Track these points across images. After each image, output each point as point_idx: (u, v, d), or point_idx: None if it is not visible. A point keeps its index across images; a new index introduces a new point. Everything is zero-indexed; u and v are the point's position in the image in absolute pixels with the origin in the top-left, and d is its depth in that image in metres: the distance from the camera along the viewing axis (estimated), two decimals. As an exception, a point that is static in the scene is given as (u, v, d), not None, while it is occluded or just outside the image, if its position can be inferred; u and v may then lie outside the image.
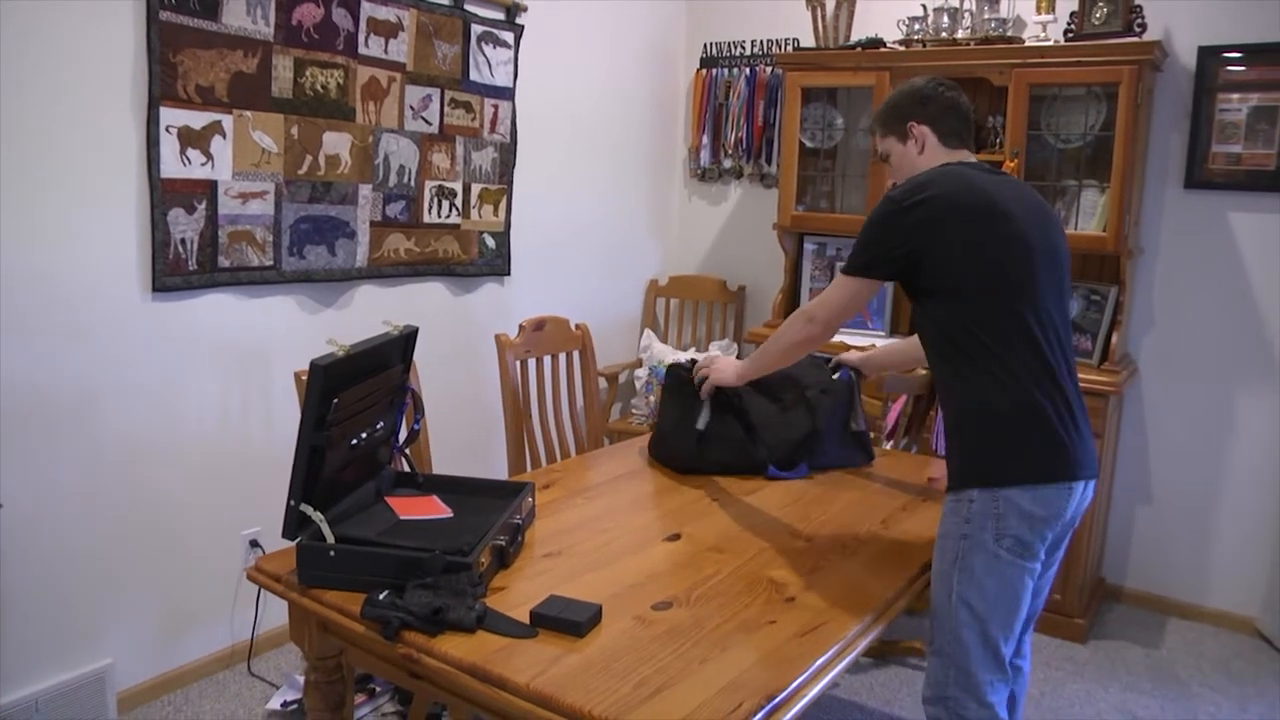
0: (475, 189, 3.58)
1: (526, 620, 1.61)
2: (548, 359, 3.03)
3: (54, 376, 2.48)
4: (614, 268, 4.51)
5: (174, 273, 2.66)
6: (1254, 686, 3.15)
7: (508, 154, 3.70)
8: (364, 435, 1.91)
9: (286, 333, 3.00)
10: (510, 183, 3.74)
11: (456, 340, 3.64)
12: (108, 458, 2.62)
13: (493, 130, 3.62)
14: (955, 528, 1.88)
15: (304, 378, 1.85)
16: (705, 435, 2.50)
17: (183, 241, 2.66)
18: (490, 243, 3.71)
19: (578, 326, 3.14)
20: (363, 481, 2.01)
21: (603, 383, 4.36)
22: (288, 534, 1.76)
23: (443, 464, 2.91)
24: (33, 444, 2.46)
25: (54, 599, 2.55)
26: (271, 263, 2.90)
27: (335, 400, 1.74)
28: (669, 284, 4.76)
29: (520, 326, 2.92)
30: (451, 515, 1.98)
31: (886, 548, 2.07)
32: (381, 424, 2.00)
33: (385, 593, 1.65)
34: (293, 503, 1.73)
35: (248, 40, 2.73)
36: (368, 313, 3.23)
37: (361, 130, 3.10)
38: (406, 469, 2.19)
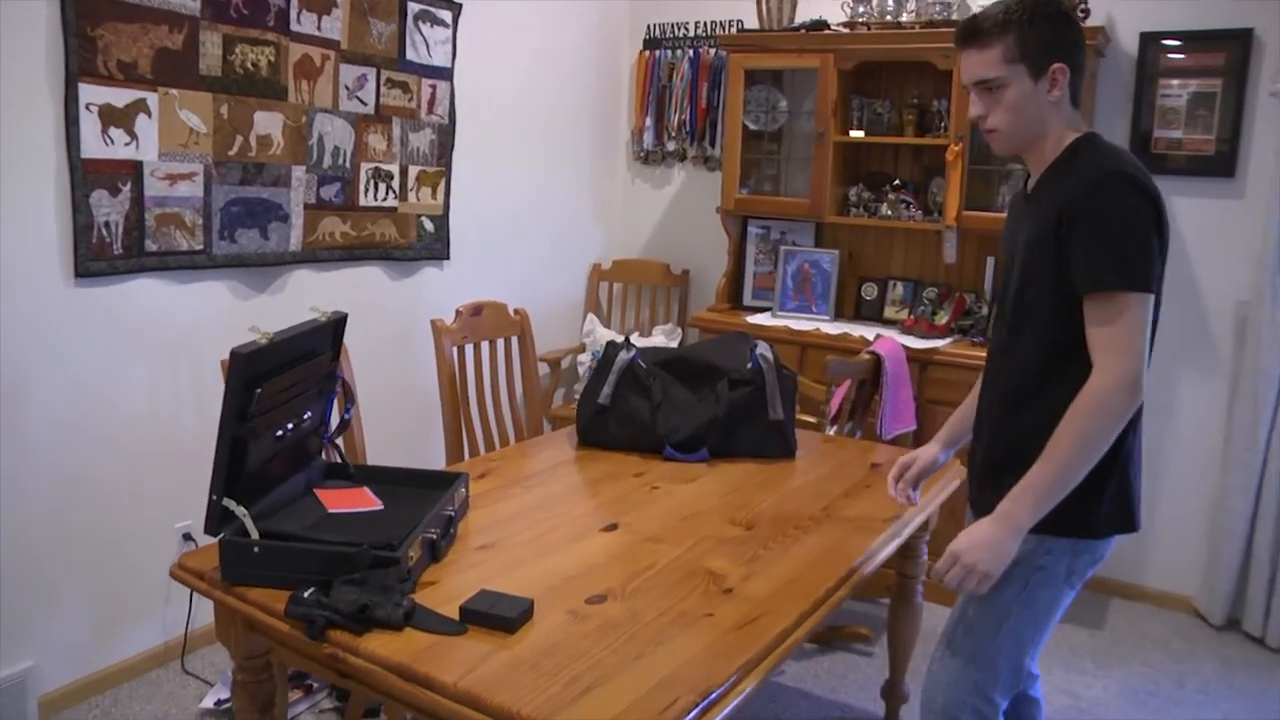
0: (413, 171, 3.51)
1: (456, 616, 1.58)
2: (485, 345, 2.98)
3: (-32, 365, 2.38)
4: (557, 251, 4.46)
5: (98, 257, 2.56)
6: (1191, 664, 3.21)
7: (446, 135, 3.62)
8: (290, 426, 1.85)
9: (218, 318, 2.91)
10: (449, 165, 3.67)
11: (395, 326, 3.57)
12: (30, 448, 2.52)
13: (430, 111, 3.54)
14: (1030, 559, 1.70)
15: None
16: (605, 409, 2.59)
17: (107, 225, 2.56)
18: (429, 226, 3.63)
19: (516, 311, 3.09)
20: (291, 474, 1.94)
21: (545, 368, 4.32)
22: (210, 529, 1.70)
23: (381, 454, 2.85)
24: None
25: (-30, 597, 2.46)
26: (201, 246, 2.81)
27: (258, 390, 1.68)
28: (612, 268, 4.71)
29: (457, 312, 2.86)
30: (382, 508, 1.93)
31: (828, 535, 2.05)
32: (309, 414, 1.94)
33: (311, 590, 1.59)
34: (215, 497, 1.67)
35: (173, 15, 2.63)
36: (302, 298, 3.15)
37: (294, 110, 3.01)
38: (338, 460, 2.13)
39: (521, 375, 3.10)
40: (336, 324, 2.02)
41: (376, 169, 3.35)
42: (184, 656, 2.93)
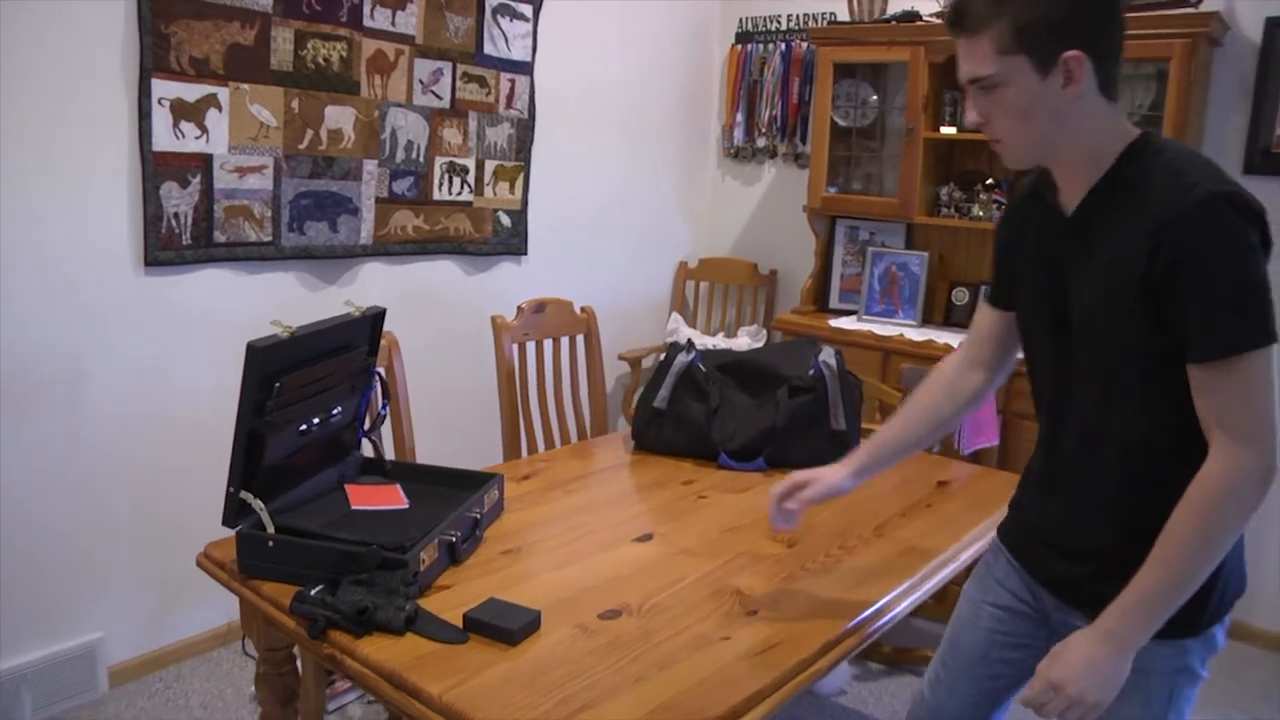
0: (489, 165, 3.50)
1: (461, 624, 1.53)
2: (549, 343, 2.94)
3: (44, 351, 2.46)
4: (642, 249, 4.40)
5: (167, 247, 2.62)
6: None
7: (525, 130, 3.60)
8: (316, 421, 1.84)
9: (285, 309, 2.91)
10: (528, 160, 3.65)
11: (469, 321, 3.56)
12: (99, 433, 2.60)
13: (509, 106, 3.52)
14: (1168, 664, 1.39)
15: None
16: (661, 412, 2.51)
17: (176, 216, 2.62)
18: (505, 221, 3.62)
19: (583, 309, 3.04)
20: (322, 468, 1.94)
21: (626, 367, 4.27)
22: (227, 521, 1.70)
23: (446, 451, 2.84)
24: (23, 418, 2.45)
25: (44, 571, 2.55)
26: (270, 238, 2.85)
27: (277, 384, 1.67)
28: (699, 266, 4.63)
29: (519, 308, 2.83)
30: (407, 507, 1.90)
31: (874, 557, 1.94)
32: (339, 409, 1.92)
33: (319, 588, 1.57)
34: (232, 489, 1.67)
35: (245, 11, 2.67)
36: (372, 290, 3.18)
37: (367, 104, 3.03)
38: (375, 456, 2.12)
39: (587, 375, 3.06)
40: (374, 319, 2.00)
41: (451, 163, 3.35)
42: (244, 639, 2.98)
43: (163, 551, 2.79)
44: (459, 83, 3.31)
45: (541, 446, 2.84)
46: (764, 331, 4.41)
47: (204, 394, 2.81)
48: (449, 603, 1.61)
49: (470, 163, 3.42)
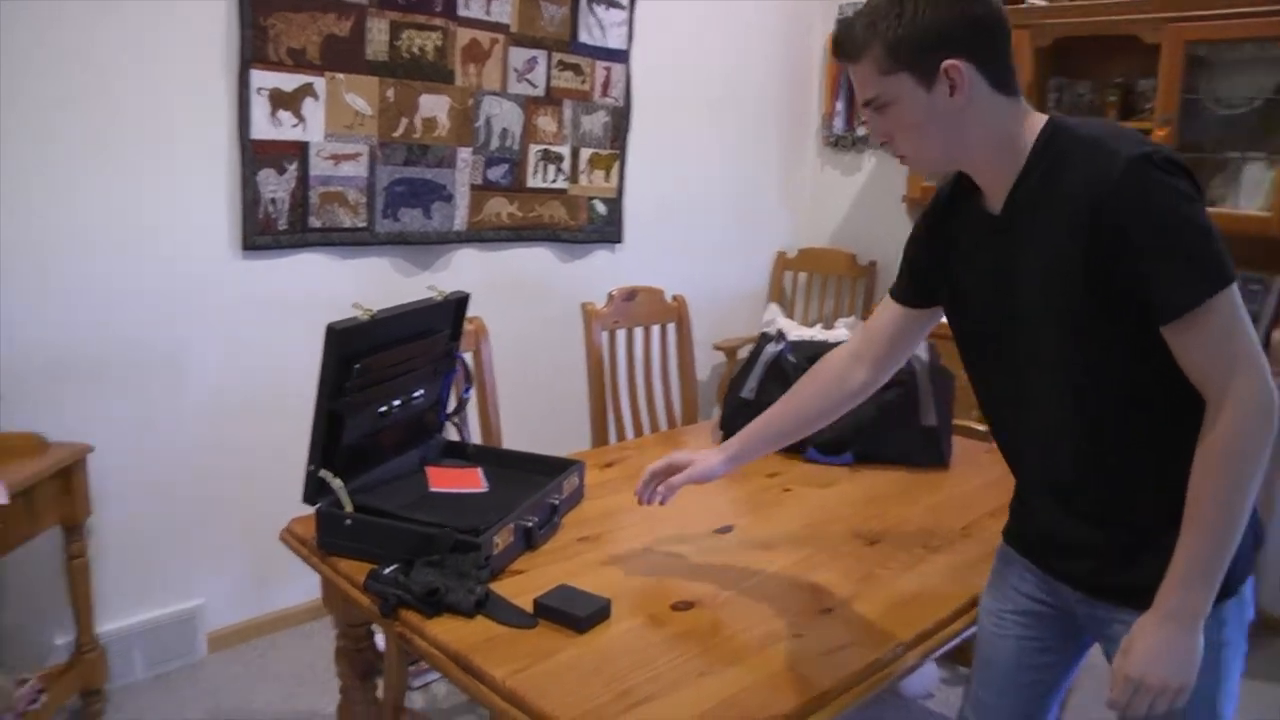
0: (585, 154, 3.50)
1: (531, 609, 1.53)
2: (640, 331, 2.93)
3: (150, 329, 2.57)
4: (739, 238, 4.35)
5: (264, 231, 2.69)
6: None
7: (620, 118, 3.59)
8: (397, 403, 1.86)
9: (379, 294, 2.99)
10: (623, 148, 3.64)
11: (562, 308, 3.58)
12: (200, 409, 2.70)
13: (605, 94, 3.51)
14: (1210, 637, 1.30)
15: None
16: (749, 403, 2.45)
17: (273, 201, 2.69)
18: (601, 209, 3.62)
19: (675, 298, 3.01)
20: (404, 449, 1.96)
21: (722, 356, 4.23)
22: (307, 498, 1.73)
23: (536, 437, 2.85)
24: (129, 392, 2.56)
25: (148, 540, 2.67)
26: (364, 224, 2.91)
27: (356, 366, 1.69)
28: (798, 256, 4.55)
29: (609, 295, 2.82)
30: (486, 490, 1.91)
31: (959, 557, 1.86)
32: (421, 392, 1.95)
33: (394, 567, 1.59)
34: (311, 467, 1.70)
35: (341, 3, 2.72)
36: (465, 276, 3.21)
37: (461, 93, 3.06)
38: (458, 439, 2.14)
39: (678, 363, 3.03)
40: (457, 304, 2.01)
41: (546, 151, 3.36)
42: (338, 616, 3.07)
43: (260, 525, 2.88)
44: (554, 71, 3.32)
45: (630, 435, 2.83)
46: (861, 324, 4.31)
47: (299, 373, 2.88)
48: (521, 587, 1.61)
49: (565, 150, 3.43)
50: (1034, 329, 1.35)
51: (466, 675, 1.39)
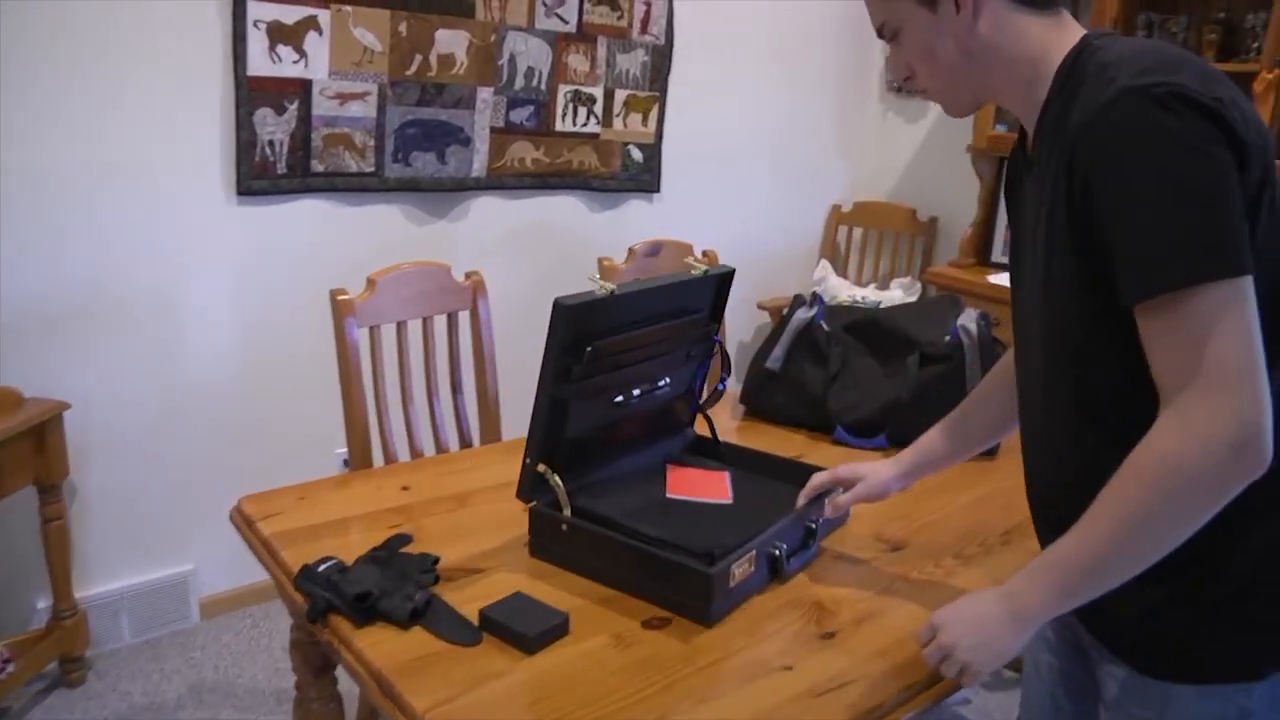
0: (620, 95, 3.24)
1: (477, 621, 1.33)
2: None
3: (133, 277, 2.42)
4: (790, 190, 4.06)
5: (260, 176, 2.52)
6: None
7: (661, 58, 3.32)
8: (637, 392, 1.64)
9: (388, 243, 2.81)
10: (664, 90, 3.37)
11: (593, 262, 3.35)
12: (188, 364, 2.56)
13: (644, 31, 3.24)
14: (1219, 715, 1.08)
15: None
16: (775, 375, 2.23)
17: (270, 143, 2.50)
18: (636, 155, 3.37)
19: (705, 253, 2.77)
20: (643, 445, 1.75)
21: (766, 316, 3.97)
22: (522, 494, 1.54)
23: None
24: (109, 344, 2.42)
25: (135, 501, 2.55)
26: (373, 169, 2.71)
27: (589, 349, 1.48)
28: (853, 210, 4.25)
29: (630, 250, 2.59)
30: (730, 502, 1.66)
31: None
32: (667, 380, 1.70)
33: (330, 563, 1.41)
34: (528, 461, 1.50)
35: (350, -76, 2.50)
36: (484, 226, 3.01)
37: (482, 28, 2.82)
38: (709, 435, 1.88)
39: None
40: (719, 279, 1.74)
41: (577, 92, 3.12)
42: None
43: (254, 489, 2.74)
44: (588, 5, 3.06)
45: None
46: (918, 285, 3.99)
47: (299, 328, 2.72)
48: (480, 592, 1.41)
49: (598, 92, 3.18)
50: (1031, 305, 1.15)
51: (386, 700, 1.20)
